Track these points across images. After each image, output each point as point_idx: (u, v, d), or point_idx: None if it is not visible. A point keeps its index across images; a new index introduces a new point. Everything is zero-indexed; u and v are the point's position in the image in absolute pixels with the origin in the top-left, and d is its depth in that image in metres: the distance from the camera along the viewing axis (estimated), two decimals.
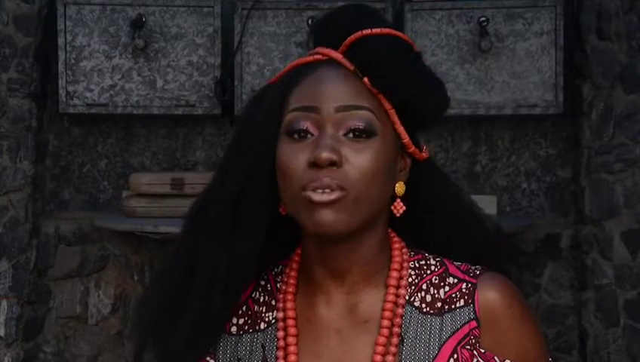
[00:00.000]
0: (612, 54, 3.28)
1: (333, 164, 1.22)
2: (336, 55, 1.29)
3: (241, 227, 1.27)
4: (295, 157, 1.24)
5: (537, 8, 3.36)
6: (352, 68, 1.28)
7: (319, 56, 1.31)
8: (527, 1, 3.36)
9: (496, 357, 1.27)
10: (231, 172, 1.29)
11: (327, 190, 1.22)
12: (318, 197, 1.22)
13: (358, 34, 1.27)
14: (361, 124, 1.24)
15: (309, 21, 3.35)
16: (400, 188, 1.30)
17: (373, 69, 1.26)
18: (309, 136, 1.25)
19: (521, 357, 1.28)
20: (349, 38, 1.28)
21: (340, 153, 1.23)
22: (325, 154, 1.21)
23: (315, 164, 1.22)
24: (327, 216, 1.22)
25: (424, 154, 1.34)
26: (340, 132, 1.24)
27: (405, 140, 1.30)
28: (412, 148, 1.32)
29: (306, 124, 1.25)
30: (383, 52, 1.27)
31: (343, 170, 1.22)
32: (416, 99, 1.28)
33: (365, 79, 1.27)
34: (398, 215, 1.30)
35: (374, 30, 1.27)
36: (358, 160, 1.23)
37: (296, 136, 1.25)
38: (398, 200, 1.30)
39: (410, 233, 1.35)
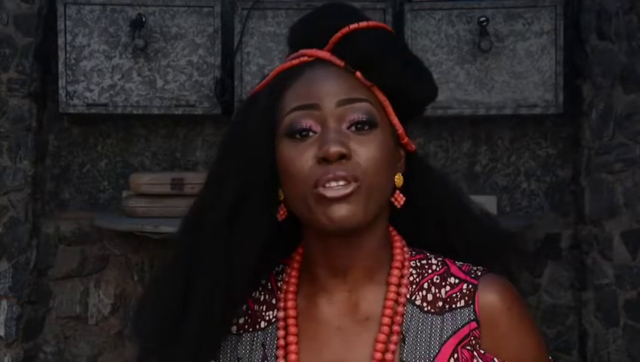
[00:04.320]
0: (612, 54, 3.28)
1: (342, 157, 1.22)
2: (324, 54, 1.29)
3: (240, 237, 1.26)
4: (301, 157, 1.24)
5: (537, 8, 3.36)
6: (342, 64, 1.28)
7: (305, 58, 1.30)
8: (527, 1, 3.36)
9: (495, 359, 1.27)
10: (227, 181, 1.28)
11: (341, 182, 1.21)
12: (332, 193, 1.22)
13: (345, 30, 1.27)
14: (363, 116, 1.25)
15: None
16: (399, 179, 1.31)
17: (365, 62, 1.27)
18: (311, 134, 1.25)
19: (520, 359, 1.28)
20: (335, 36, 1.28)
21: (348, 146, 1.23)
22: (334, 148, 1.21)
23: (324, 160, 1.22)
24: (342, 210, 1.22)
25: (414, 146, 1.35)
26: (343, 125, 1.24)
27: (400, 131, 1.31)
28: (406, 139, 1.32)
29: (308, 123, 1.25)
30: (372, 44, 1.27)
31: (353, 162, 1.23)
32: (408, 87, 1.29)
33: (358, 73, 1.27)
34: (399, 206, 1.31)
35: (361, 24, 1.27)
36: (365, 151, 1.23)
37: (298, 136, 1.25)
38: (398, 191, 1.31)
39: (405, 228, 1.35)
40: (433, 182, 1.37)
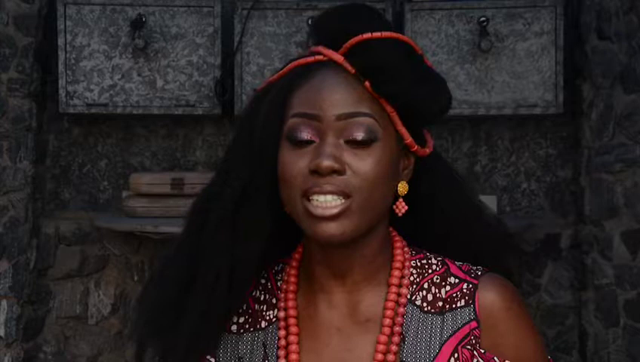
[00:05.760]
0: (612, 54, 3.28)
1: (334, 172, 1.22)
2: (338, 57, 1.28)
3: (242, 231, 1.27)
4: (296, 164, 1.24)
5: (537, 8, 3.36)
6: (353, 71, 1.27)
7: (320, 57, 1.29)
8: (527, 1, 3.36)
9: (495, 358, 1.27)
10: (232, 175, 1.29)
11: (329, 197, 1.21)
12: (320, 211, 1.21)
13: (359, 38, 1.26)
14: (361, 133, 1.24)
15: (309, 21, 3.35)
16: (402, 188, 1.30)
17: (375, 73, 1.25)
18: (310, 142, 1.24)
19: (519, 358, 1.28)
20: (349, 42, 1.27)
21: (341, 161, 1.22)
22: (326, 163, 1.21)
23: (316, 172, 1.22)
24: (330, 228, 1.22)
25: (427, 150, 1.34)
26: (341, 139, 1.24)
27: (408, 141, 1.30)
28: (415, 148, 1.31)
29: (306, 131, 1.24)
30: (385, 56, 1.26)
31: (346, 178, 1.22)
32: (418, 102, 1.28)
33: (367, 83, 1.26)
34: (400, 215, 1.30)
35: (375, 34, 1.26)
36: (361, 167, 1.23)
37: (297, 142, 1.25)
38: (401, 199, 1.30)
39: (410, 228, 1.35)
40: (441, 185, 1.36)
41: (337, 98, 1.25)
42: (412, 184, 1.32)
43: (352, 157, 1.23)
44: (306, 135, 1.24)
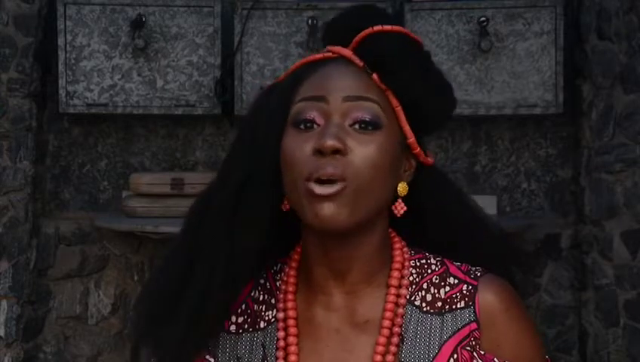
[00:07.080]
0: (612, 54, 3.28)
1: (337, 151, 1.22)
2: (346, 52, 1.29)
3: (241, 224, 1.27)
4: (300, 147, 1.24)
5: (537, 8, 3.36)
6: (361, 64, 1.28)
7: (329, 54, 1.31)
8: (527, 1, 3.36)
9: (495, 359, 1.27)
10: (233, 168, 1.29)
11: (330, 178, 1.21)
12: (320, 190, 1.21)
13: (368, 30, 1.28)
14: (367, 116, 1.25)
15: (309, 21, 3.35)
16: (403, 188, 1.30)
17: (383, 65, 1.27)
18: (315, 126, 1.25)
19: (519, 359, 1.28)
20: (359, 35, 1.28)
21: (344, 142, 1.22)
22: (330, 142, 1.21)
23: (319, 152, 1.22)
24: (328, 209, 1.21)
25: (429, 159, 1.34)
26: (346, 122, 1.24)
27: (411, 140, 1.30)
28: (417, 150, 1.32)
29: (312, 114, 1.25)
30: (393, 49, 1.27)
31: (347, 159, 1.22)
32: (424, 98, 1.28)
33: (374, 75, 1.27)
34: (398, 215, 1.30)
35: (385, 27, 1.28)
36: (363, 151, 1.23)
37: (302, 126, 1.25)
38: (400, 200, 1.30)
39: (411, 236, 1.35)
40: (443, 194, 1.36)
41: (345, 83, 1.26)
42: (413, 193, 1.32)
43: (356, 141, 1.23)
44: (310, 115, 1.25)
